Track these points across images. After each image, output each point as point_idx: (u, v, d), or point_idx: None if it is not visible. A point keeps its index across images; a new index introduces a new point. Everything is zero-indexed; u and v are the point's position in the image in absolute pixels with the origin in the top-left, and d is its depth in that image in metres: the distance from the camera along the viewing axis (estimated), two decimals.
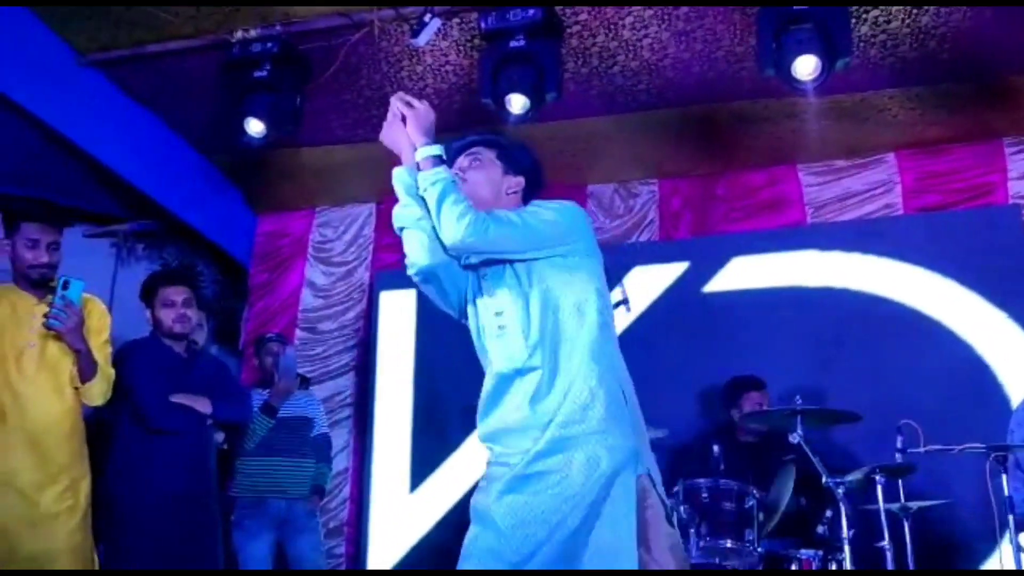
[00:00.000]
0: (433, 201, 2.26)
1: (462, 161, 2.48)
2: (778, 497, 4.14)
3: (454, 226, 2.21)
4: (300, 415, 4.81)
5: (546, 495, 2.11)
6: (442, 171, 2.29)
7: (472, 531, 2.19)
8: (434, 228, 2.29)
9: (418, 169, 2.33)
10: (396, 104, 2.41)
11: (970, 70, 4.96)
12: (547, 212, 2.33)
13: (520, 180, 2.47)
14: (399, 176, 2.39)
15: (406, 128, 2.38)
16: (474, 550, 2.13)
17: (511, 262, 2.31)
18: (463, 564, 2.13)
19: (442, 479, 5.89)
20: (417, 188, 2.32)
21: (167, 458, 3.65)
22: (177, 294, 3.82)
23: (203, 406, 3.73)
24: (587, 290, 2.29)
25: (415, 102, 2.39)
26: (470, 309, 2.43)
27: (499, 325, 2.31)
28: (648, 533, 2.12)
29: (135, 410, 3.66)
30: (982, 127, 5.46)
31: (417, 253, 2.35)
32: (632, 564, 2.05)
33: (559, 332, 2.24)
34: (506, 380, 2.27)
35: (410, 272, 2.40)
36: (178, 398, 3.69)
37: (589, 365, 2.20)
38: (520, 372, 2.24)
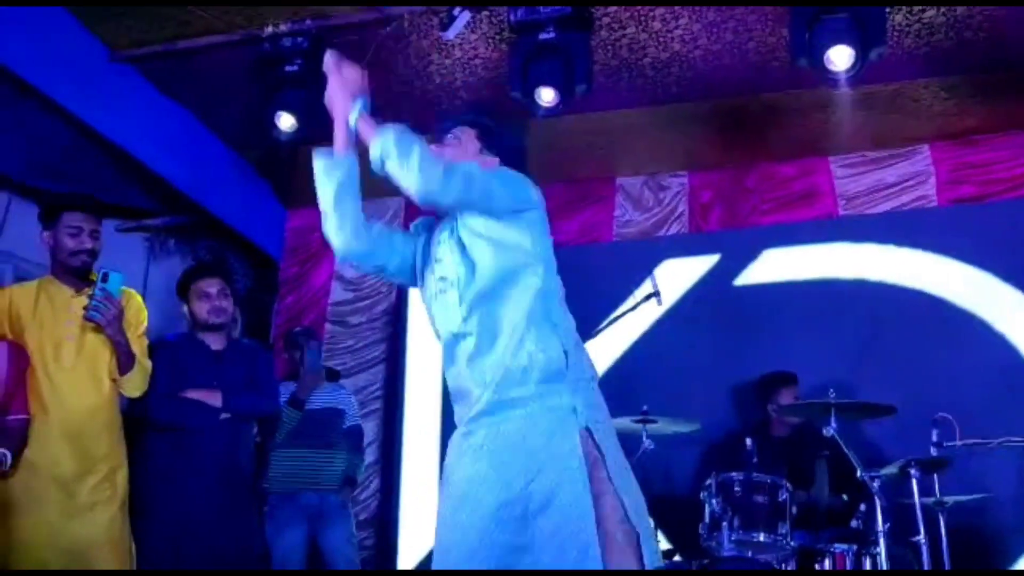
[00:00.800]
0: (407, 152, 2.25)
1: (442, 140, 2.51)
2: (819, 495, 4.13)
3: (437, 178, 2.24)
4: (331, 407, 4.83)
5: (486, 460, 2.14)
6: (400, 126, 2.31)
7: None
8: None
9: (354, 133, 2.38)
10: (327, 61, 2.40)
11: (1007, 60, 4.89)
12: (509, 174, 2.39)
13: (495, 160, 2.48)
14: (316, 155, 2.44)
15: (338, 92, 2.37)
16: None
17: (462, 222, 2.33)
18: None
19: None
20: (333, 166, 2.39)
21: (185, 454, 3.60)
22: (211, 286, 3.82)
23: (213, 400, 3.67)
24: (531, 256, 2.30)
25: (345, 64, 2.39)
26: (420, 275, 2.47)
27: (440, 290, 2.35)
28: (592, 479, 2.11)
29: None
30: (1019, 118, 5.39)
31: (344, 240, 2.40)
32: (586, 519, 2.04)
33: (496, 298, 2.26)
34: (448, 345, 2.32)
35: (342, 262, 2.46)
36: (189, 393, 3.64)
37: (527, 329, 2.21)
38: (456, 337, 2.29)
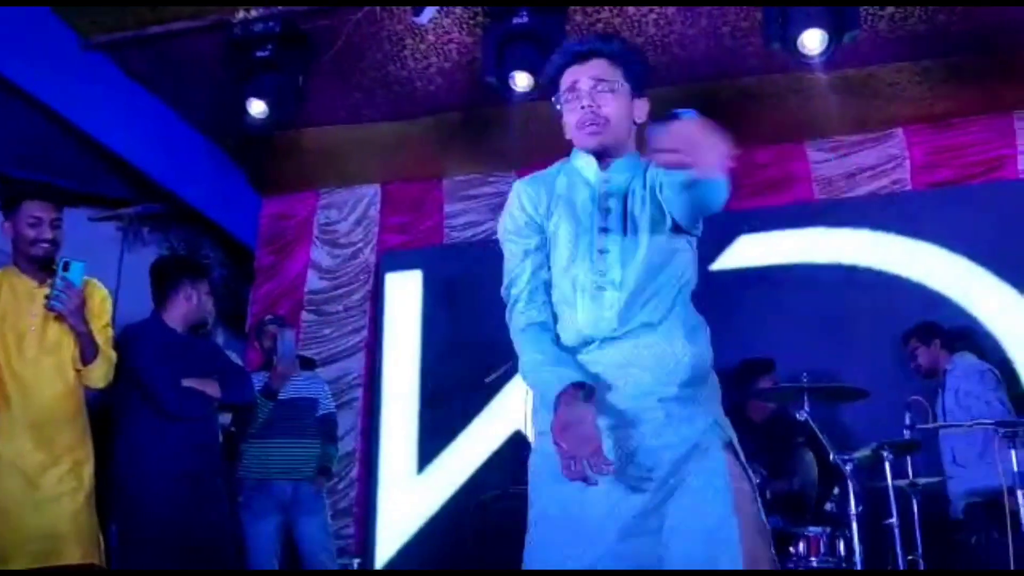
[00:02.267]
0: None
1: (584, 82, 2.13)
2: (804, 483, 4.14)
3: None
4: (303, 396, 4.80)
5: None
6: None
7: None
8: None
9: None
10: None
11: (980, 43, 4.89)
12: None
13: (645, 104, 2.19)
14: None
15: None
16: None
17: None
18: None
19: (449, 460, 5.90)
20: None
21: (176, 440, 3.64)
22: (197, 289, 3.86)
23: (212, 389, 3.74)
24: None
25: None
26: None
27: None
28: None
29: (146, 395, 3.66)
30: (992, 101, 5.40)
31: None
32: None
33: None
34: None
35: None
36: (189, 383, 3.69)
37: None
38: None
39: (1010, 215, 5.19)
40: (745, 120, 5.69)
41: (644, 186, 2.13)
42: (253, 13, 4.73)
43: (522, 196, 2.17)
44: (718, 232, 5.72)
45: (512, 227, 2.17)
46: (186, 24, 4.92)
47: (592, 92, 2.12)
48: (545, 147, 6.44)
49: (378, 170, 6.46)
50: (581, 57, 2.15)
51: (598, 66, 2.14)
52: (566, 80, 2.16)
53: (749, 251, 5.61)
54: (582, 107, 2.12)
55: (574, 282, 2.08)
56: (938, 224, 5.32)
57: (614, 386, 2.01)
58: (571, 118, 2.15)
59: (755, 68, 5.16)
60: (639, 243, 2.09)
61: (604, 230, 2.11)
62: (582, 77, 2.14)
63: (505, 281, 2.16)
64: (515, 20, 4.51)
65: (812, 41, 4.18)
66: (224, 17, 4.83)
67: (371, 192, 6.66)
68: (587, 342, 2.05)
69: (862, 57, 4.98)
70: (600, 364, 2.03)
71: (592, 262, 2.08)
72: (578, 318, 2.06)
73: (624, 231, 2.10)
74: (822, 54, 4.21)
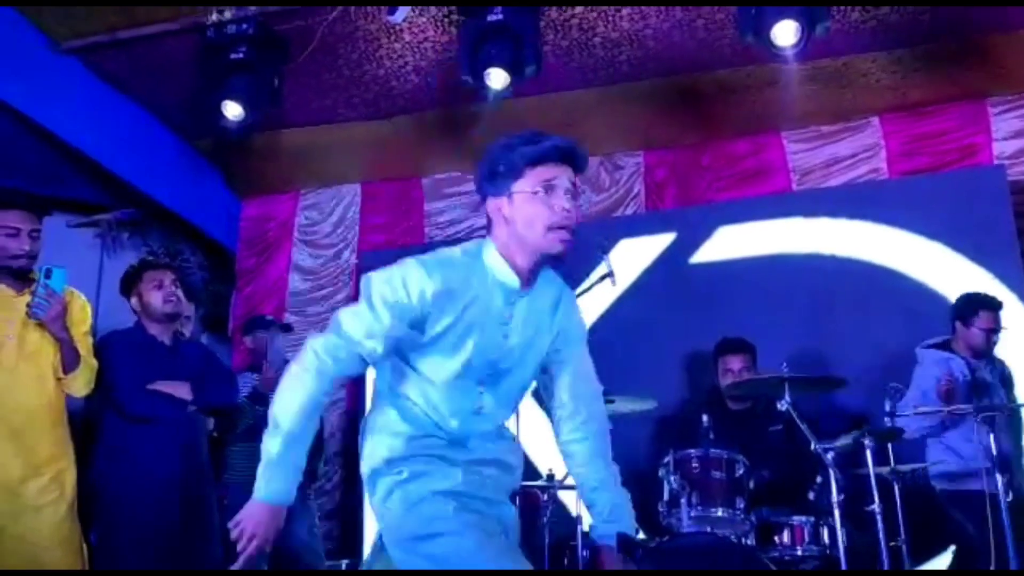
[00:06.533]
0: None
1: (563, 182, 2.06)
2: (784, 473, 4.20)
3: None
4: None
5: None
6: None
7: None
8: None
9: None
10: None
11: (951, 30, 4.94)
12: None
13: None
14: None
15: None
16: None
17: None
18: None
19: None
20: None
21: (155, 446, 3.62)
22: (164, 275, 3.81)
23: (183, 392, 3.70)
24: None
25: None
26: None
27: None
28: None
29: (108, 398, 3.63)
30: (965, 88, 5.44)
31: None
32: None
33: None
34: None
35: None
36: (157, 385, 3.65)
37: None
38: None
39: (984, 201, 5.22)
40: (721, 112, 5.73)
41: (550, 328, 2.18)
42: (227, 15, 4.71)
43: (423, 284, 2.02)
44: (698, 225, 5.75)
45: (392, 301, 2.03)
46: (159, 27, 4.89)
47: (570, 197, 2.03)
48: None
49: (357, 170, 6.45)
50: (563, 156, 2.06)
51: (570, 174, 2.06)
52: (541, 174, 2.03)
53: (728, 243, 5.63)
54: (564, 208, 2.01)
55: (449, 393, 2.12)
56: (916, 212, 5.34)
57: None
58: (541, 215, 2.01)
59: (730, 60, 5.18)
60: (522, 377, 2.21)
61: (492, 376, 2.14)
62: (562, 176, 2.04)
63: (362, 329, 2.05)
64: (490, 18, 4.51)
65: (785, 33, 4.20)
66: (197, 19, 4.81)
67: (351, 192, 6.64)
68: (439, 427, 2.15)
69: (836, 48, 5.01)
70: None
71: (474, 398, 2.15)
72: (441, 409, 2.14)
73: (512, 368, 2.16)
74: (795, 46, 4.24)
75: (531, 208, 2.02)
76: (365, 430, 2.22)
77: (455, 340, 2.06)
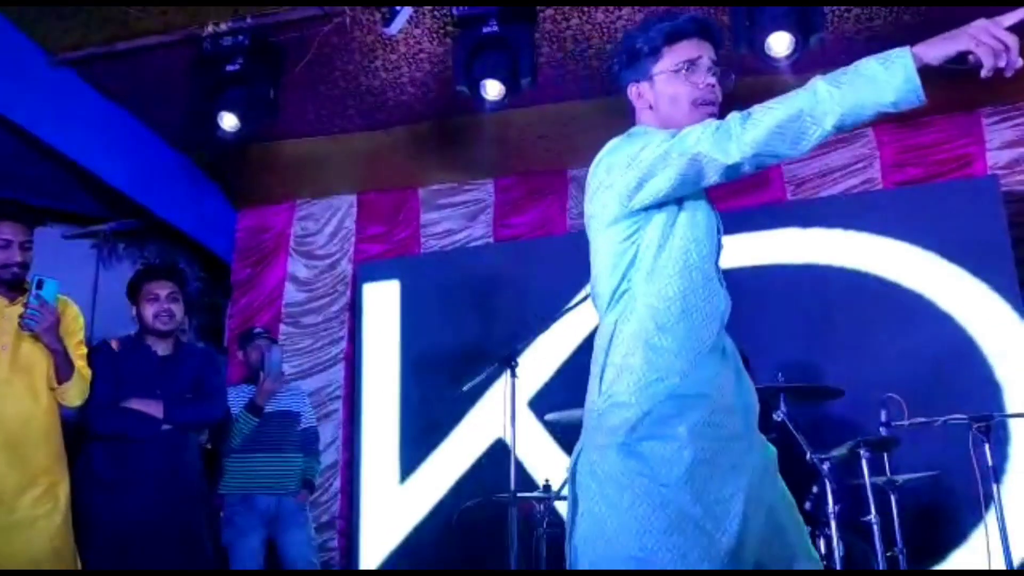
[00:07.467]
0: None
1: (706, 60, 2.04)
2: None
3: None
4: (286, 410, 4.79)
5: None
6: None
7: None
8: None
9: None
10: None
11: None
12: None
13: None
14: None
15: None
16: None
17: None
18: None
19: (431, 470, 5.89)
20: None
21: (133, 463, 3.53)
22: (161, 288, 3.74)
23: (155, 410, 3.58)
24: None
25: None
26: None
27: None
28: None
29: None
30: (959, 98, 5.46)
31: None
32: None
33: None
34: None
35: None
36: (130, 403, 3.57)
37: None
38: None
39: (979, 211, 5.24)
40: None
41: None
42: (223, 27, 4.72)
43: None
44: None
45: None
46: (155, 39, 4.90)
47: (712, 72, 2.02)
48: (519, 154, 6.56)
49: (353, 180, 6.46)
50: (704, 33, 2.04)
51: (711, 51, 2.05)
52: (685, 50, 2.02)
53: (724, 253, 5.62)
54: (708, 84, 2.01)
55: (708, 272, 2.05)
56: (910, 222, 5.36)
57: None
58: (685, 92, 2.01)
59: None
60: None
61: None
62: (705, 54, 2.03)
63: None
64: (485, 29, 4.52)
65: (779, 44, 4.22)
66: (193, 32, 4.82)
67: (347, 203, 6.66)
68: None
69: (830, 58, 4.98)
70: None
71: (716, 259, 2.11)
72: (720, 305, 2.02)
73: None
74: (789, 57, 4.25)
75: (674, 87, 2.02)
76: None
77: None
